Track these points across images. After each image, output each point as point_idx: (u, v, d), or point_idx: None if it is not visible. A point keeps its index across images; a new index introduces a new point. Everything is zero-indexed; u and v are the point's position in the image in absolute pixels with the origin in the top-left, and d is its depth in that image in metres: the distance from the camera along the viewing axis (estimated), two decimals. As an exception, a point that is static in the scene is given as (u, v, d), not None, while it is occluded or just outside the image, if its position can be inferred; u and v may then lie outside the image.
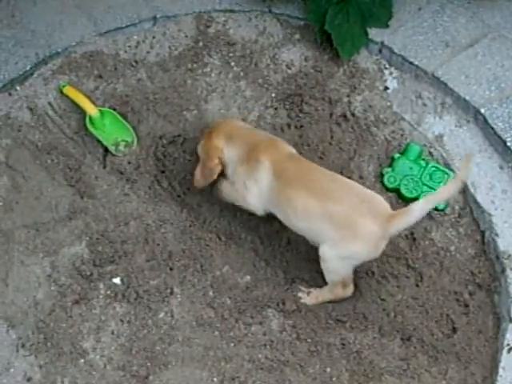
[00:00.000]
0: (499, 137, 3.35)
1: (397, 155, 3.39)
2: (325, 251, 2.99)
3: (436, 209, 3.32)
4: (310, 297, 3.18)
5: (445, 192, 2.92)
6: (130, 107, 3.52)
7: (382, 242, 2.95)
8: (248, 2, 3.70)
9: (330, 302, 3.18)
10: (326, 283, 3.15)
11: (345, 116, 3.47)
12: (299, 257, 3.25)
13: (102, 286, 3.21)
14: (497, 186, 3.34)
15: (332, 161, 3.39)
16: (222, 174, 3.20)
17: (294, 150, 3.17)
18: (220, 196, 3.26)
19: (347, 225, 2.92)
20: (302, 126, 3.45)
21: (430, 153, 3.43)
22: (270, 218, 3.29)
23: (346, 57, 3.54)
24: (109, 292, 3.20)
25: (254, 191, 3.10)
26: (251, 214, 3.29)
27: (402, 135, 3.46)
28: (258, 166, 3.06)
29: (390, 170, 3.37)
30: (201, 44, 3.63)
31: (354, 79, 3.54)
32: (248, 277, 3.24)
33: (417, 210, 2.89)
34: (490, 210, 3.29)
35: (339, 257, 2.99)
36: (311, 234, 3.05)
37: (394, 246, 3.27)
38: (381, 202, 2.98)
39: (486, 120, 3.39)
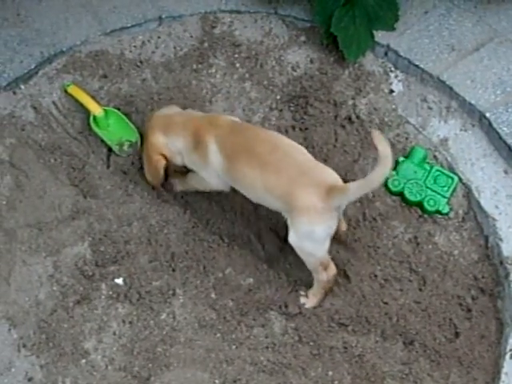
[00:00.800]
0: (504, 141, 3.35)
1: (401, 158, 3.38)
2: (291, 239, 2.98)
3: (440, 213, 3.31)
4: (310, 299, 3.18)
5: (378, 174, 2.81)
6: (134, 107, 3.51)
7: (328, 212, 2.90)
8: (254, 3, 3.69)
9: (329, 291, 3.17)
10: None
11: (350, 118, 3.47)
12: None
13: (104, 286, 3.21)
14: (501, 190, 3.33)
15: (336, 163, 3.38)
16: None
17: (234, 119, 3.18)
18: (180, 188, 3.33)
19: (286, 198, 2.92)
20: (306, 128, 3.45)
21: (435, 156, 3.42)
22: (273, 219, 3.30)
23: (351, 59, 3.54)
24: (111, 292, 3.20)
25: (212, 174, 3.12)
26: (255, 214, 3.31)
27: (406, 138, 3.45)
28: (207, 151, 3.06)
29: (394, 173, 3.36)
30: (206, 45, 3.62)
31: (360, 82, 3.54)
32: (251, 279, 3.23)
33: (351, 191, 2.85)
34: (493, 215, 3.28)
35: (301, 237, 2.96)
36: (265, 204, 3.06)
37: (397, 250, 3.27)
38: (322, 173, 2.95)
39: (491, 124, 3.38)
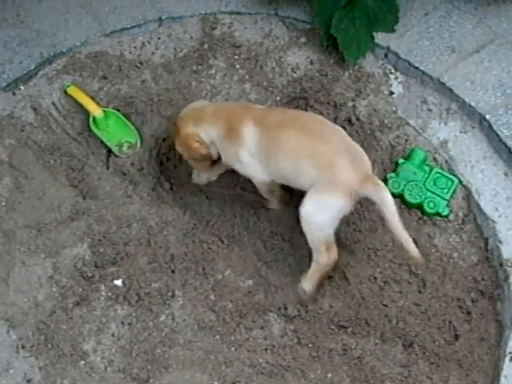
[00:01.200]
0: (504, 144, 3.34)
1: (401, 160, 3.38)
2: (306, 209, 2.99)
3: (440, 215, 3.31)
4: (306, 282, 3.16)
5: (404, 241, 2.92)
6: (133, 108, 3.51)
7: (353, 196, 2.97)
8: (254, 4, 3.69)
9: (323, 279, 3.17)
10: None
11: (349, 120, 3.46)
12: (302, 261, 3.23)
13: (103, 287, 3.20)
14: (501, 193, 3.33)
15: (336, 165, 3.38)
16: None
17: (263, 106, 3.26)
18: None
19: (328, 167, 2.96)
20: (306, 130, 3.44)
21: (435, 158, 3.41)
22: (273, 220, 3.29)
23: (351, 61, 3.53)
24: (110, 294, 3.19)
25: (248, 159, 3.11)
26: (254, 216, 3.31)
27: (406, 140, 3.44)
28: (241, 133, 3.07)
29: (394, 175, 3.36)
30: (206, 46, 3.62)
31: (360, 83, 3.53)
32: (250, 281, 3.23)
33: (385, 199, 2.93)
34: (493, 217, 3.28)
35: (319, 208, 2.98)
36: (296, 176, 3.05)
37: (396, 252, 3.26)
38: (363, 156, 3.02)
39: (491, 126, 3.38)
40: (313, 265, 3.13)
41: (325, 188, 2.97)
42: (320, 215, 3.00)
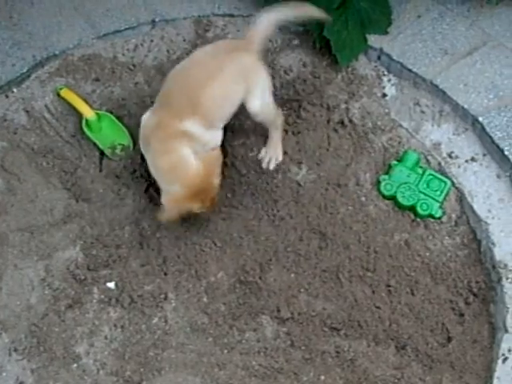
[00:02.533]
0: (497, 146, 3.34)
1: (394, 162, 3.38)
2: (255, 104, 3.16)
3: (432, 217, 3.31)
4: (272, 149, 3.31)
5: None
6: (126, 111, 3.50)
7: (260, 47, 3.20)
8: (247, 6, 3.69)
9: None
10: None
11: (342, 123, 3.46)
12: (296, 263, 3.23)
13: (95, 290, 3.20)
14: (494, 194, 3.32)
15: (329, 167, 3.38)
16: None
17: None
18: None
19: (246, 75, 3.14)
20: (299, 132, 3.44)
21: (428, 160, 3.41)
22: (266, 222, 3.29)
23: (344, 63, 3.53)
24: (103, 296, 3.19)
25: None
26: (247, 218, 3.30)
27: (399, 142, 3.44)
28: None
29: (386, 177, 3.36)
30: (199, 48, 3.62)
31: (352, 86, 3.53)
32: (242, 283, 3.21)
33: (264, 22, 3.19)
34: (486, 219, 3.27)
35: (263, 94, 3.17)
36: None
37: (389, 254, 3.26)
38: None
39: (484, 128, 3.37)
40: (273, 133, 3.28)
41: (256, 75, 3.16)
42: (267, 95, 3.18)
